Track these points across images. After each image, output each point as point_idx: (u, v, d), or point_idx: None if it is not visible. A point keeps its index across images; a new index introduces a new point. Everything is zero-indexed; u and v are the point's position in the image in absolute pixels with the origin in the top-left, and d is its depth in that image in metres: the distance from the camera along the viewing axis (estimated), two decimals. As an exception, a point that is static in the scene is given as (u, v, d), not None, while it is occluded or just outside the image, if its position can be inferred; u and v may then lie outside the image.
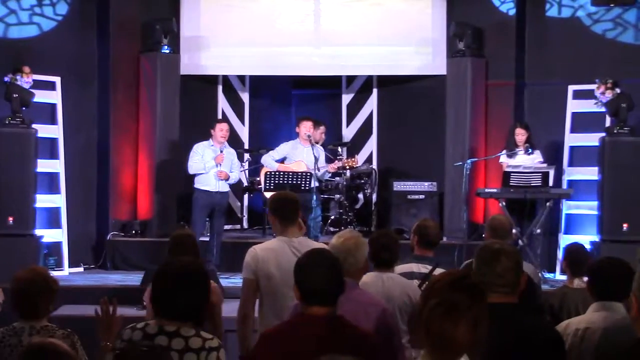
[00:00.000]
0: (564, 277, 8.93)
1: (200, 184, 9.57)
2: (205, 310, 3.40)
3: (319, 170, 9.49)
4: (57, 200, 9.85)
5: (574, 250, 5.59)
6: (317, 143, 10.04)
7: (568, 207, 10.05)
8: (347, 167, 10.16)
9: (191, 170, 9.60)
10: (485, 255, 3.34)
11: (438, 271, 4.98)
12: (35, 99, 9.38)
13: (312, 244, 4.81)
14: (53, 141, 9.85)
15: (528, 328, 3.30)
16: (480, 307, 2.49)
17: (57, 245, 9.79)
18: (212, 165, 9.47)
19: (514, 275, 3.31)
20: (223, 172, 9.47)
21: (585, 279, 5.40)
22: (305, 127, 9.64)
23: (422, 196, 10.78)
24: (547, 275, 9.56)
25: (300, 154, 9.67)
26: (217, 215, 9.52)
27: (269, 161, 9.80)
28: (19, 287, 3.98)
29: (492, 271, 3.28)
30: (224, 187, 9.60)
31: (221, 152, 9.54)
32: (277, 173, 9.39)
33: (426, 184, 10.83)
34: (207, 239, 9.59)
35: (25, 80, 9.23)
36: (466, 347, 2.49)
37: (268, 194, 9.10)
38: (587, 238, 9.21)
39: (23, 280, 3.99)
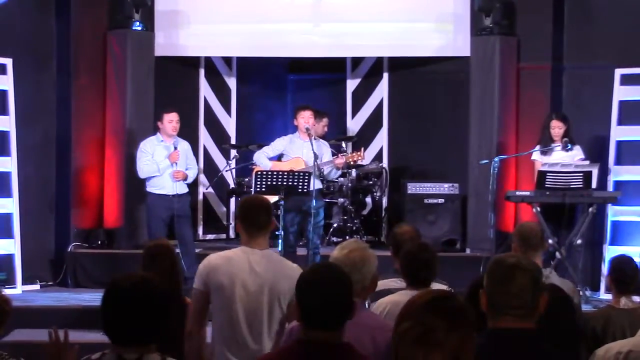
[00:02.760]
0: (609, 296, 8.96)
1: (154, 187, 9.59)
2: (181, 336, 3.39)
3: (320, 169, 9.47)
4: (9, 205, 9.83)
5: (621, 263, 5.59)
6: (318, 137, 10.02)
7: (614, 213, 10.04)
8: (352, 162, 10.12)
9: (142, 174, 9.63)
10: (498, 271, 3.32)
11: (436, 286, 5.02)
12: (-18, 85, 9.40)
13: (280, 260, 4.92)
14: (3, 135, 9.83)
15: (547, 358, 3.30)
16: (462, 335, 2.49)
17: (8, 259, 9.76)
18: (167, 165, 9.51)
19: (531, 296, 3.27)
20: (180, 172, 9.50)
21: (636, 298, 5.43)
22: (304, 118, 9.60)
23: (441, 200, 10.77)
24: (590, 293, 9.56)
25: (298, 149, 9.64)
26: (180, 222, 9.53)
27: (262, 159, 9.77)
28: None
29: (506, 290, 3.26)
30: (183, 189, 9.63)
31: (175, 148, 9.56)
32: (269, 173, 9.34)
33: (446, 185, 10.83)
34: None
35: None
36: None
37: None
38: (636, 250, 9.19)
39: None
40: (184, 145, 9.79)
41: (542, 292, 3.33)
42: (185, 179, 9.57)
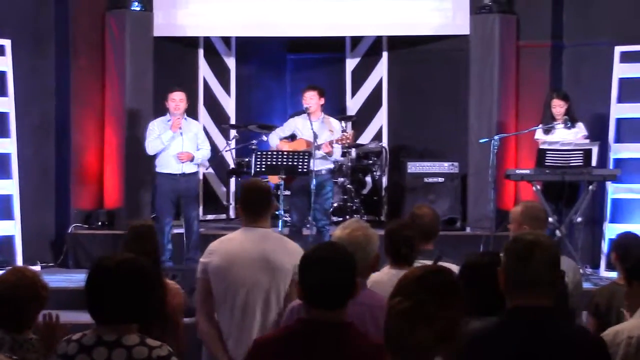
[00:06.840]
0: (609, 274, 8.98)
1: (161, 167, 9.63)
2: (158, 314, 3.43)
3: (319, 149, 9.47)
4: (9, 187, 9.82)
5: (627, 240, 5.59)
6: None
7: (614, 191, 10.04)
8: (341, 144, 10.08)
9: (149, 151, 9.66)
10: (517, 248, 3.29)
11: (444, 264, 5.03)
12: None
13: (279, 238, 5.04)
14: (3, 116, 9.82)
15: (567, 336, 3.27)
16: (453, 309, 2.50)
17: (8, 240, 9.77)
18: (170, 137, 9.47)
19: (550, 273, 3.26)
20: (184, 153, 9.48)
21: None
22: (305, 99, 9.68)
23: (441, 179, 10.77)
24: (590, 271, 9.58)
25: (305, 129, 9.71)
26: (186, 203, 9.61)
27: (273, 139, 9.89)
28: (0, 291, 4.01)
29: (525, 268, 3.23)
30: (190, 169, 9.62)
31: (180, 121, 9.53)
32: (269, 153, 9.41)
33: (446, 164, 10.83)
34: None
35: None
36: (434, 351, 2.51)
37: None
38: (637, 227, 9.19)
39: (6, 284, 4.02)
40: (194, 125, 9.81)
41: (559, 269, 3.32)
42: (191, 159, 9.56)
